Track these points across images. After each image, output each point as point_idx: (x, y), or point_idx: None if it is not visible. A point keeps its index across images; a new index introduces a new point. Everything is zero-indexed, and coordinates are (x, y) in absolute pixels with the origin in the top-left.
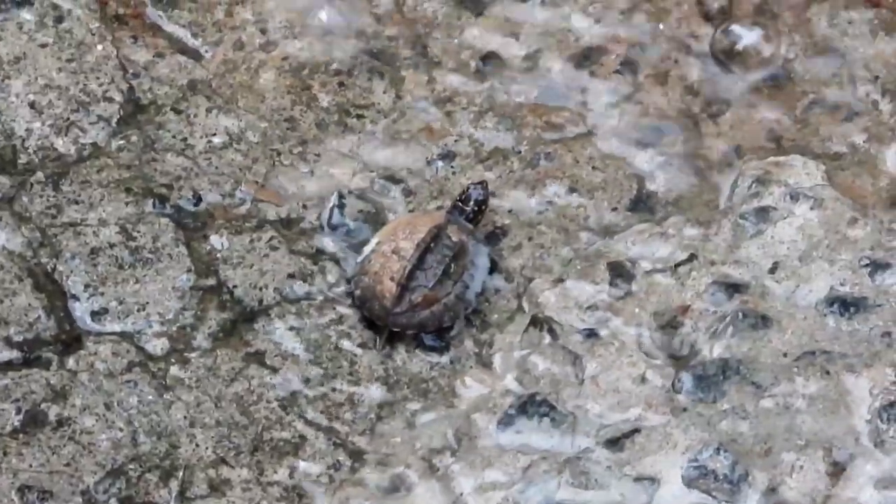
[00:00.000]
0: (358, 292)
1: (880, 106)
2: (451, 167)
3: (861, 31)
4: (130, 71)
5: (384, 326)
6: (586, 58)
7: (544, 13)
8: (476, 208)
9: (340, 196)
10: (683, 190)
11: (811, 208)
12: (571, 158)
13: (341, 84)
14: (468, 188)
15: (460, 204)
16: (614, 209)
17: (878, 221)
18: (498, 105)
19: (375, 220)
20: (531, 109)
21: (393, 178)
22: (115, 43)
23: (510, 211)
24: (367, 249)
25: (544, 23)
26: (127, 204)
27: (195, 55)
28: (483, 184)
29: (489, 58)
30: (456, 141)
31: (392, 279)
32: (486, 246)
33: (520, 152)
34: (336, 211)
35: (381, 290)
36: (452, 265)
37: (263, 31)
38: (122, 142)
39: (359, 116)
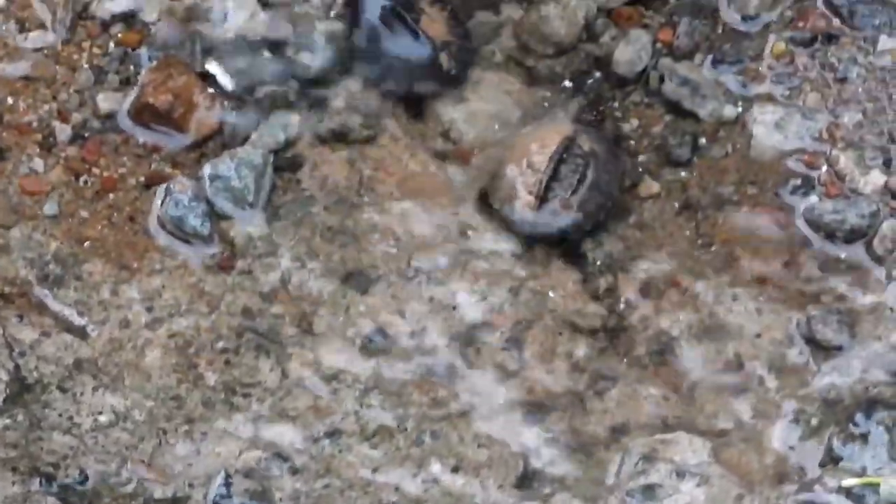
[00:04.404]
0: (496, 205)
1: (766, 382)
2: (338, 445)
3: (747, 309)
4: (16, 350)
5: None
6: (472, 335)
7: (430, 290)
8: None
9: (227, 475)
10: (570, 467)
11: (697, 485)
12: (457, 436)
13: (227, 362)
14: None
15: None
16: (500, 487)
17: (764, 498)
18: (384, 382)
19: (262, 497)
20: (417, 386)
21: (280, 456)
22: (0, 322)
23: (396, 489)
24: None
25: (430, 300)
26: (13, 483)
27: (81, 334)
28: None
29: (375, 335)
30: (342, 419)
31: (530, 193)
32: (615, 147)
33: (405, 430)
34: (223, 489)
35: (521, 204)
36: (588, 173)
37: (149, 310)
38: (7, 420)
39: (245, 395)
